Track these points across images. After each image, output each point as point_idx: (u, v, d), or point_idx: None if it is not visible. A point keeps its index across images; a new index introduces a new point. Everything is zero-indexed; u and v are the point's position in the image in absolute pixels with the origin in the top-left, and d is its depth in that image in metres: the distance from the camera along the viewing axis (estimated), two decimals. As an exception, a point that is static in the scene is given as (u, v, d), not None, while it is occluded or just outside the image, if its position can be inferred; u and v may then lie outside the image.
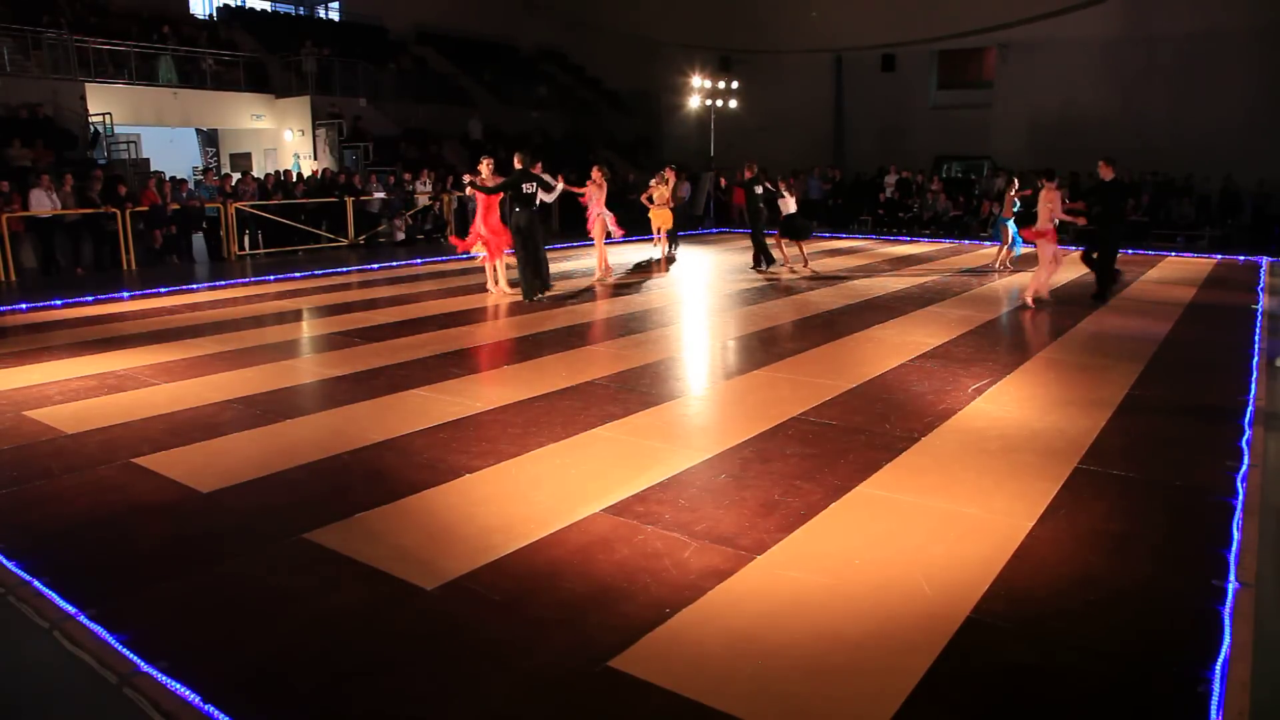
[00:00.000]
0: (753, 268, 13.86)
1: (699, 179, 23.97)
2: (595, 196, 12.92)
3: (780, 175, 15.10)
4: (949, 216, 21.26)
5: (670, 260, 15.12)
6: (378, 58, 23.85)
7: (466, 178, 11.18)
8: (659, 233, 15.18)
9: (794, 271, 13.60)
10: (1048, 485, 4.61)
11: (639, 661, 3.01)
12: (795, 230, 13.63)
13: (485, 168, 10.82)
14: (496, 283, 11.28)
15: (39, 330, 9.08)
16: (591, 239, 13.25)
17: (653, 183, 15.17)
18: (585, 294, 11.47)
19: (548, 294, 10.75)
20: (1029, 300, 10.37)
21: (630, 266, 14.55)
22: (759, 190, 13.65)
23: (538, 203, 10.57)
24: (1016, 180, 13.90)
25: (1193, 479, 4.76)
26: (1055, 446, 5.24)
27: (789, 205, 13.68)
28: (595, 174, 13.08)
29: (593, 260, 13.55)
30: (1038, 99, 23.03)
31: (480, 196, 10.66)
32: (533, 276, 10.57)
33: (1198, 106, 20.69)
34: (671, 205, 15.16)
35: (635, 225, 16.31)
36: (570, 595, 3.47)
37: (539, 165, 12.12)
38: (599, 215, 12.84)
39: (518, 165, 10.43)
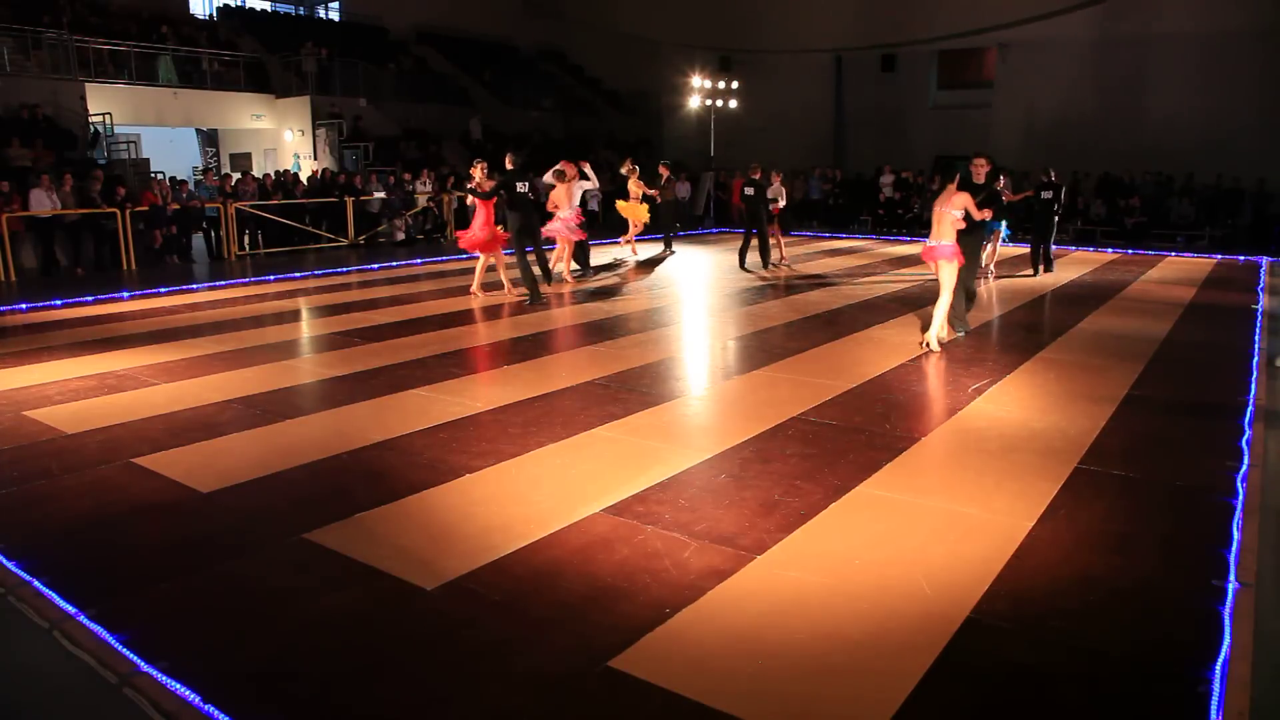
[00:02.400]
0: (764, 266, 13.94)
1: (699, 179, 23.97)
2: (562, 195, 11.73)
3: (774, 170, 15.21)
4: (949, 216, 21.26)
5: (660, 259, 15.20)
6: (378, 58, 23.85)
7: (469, 185, 10.82)
8: (633, 228, 15.78)
9: (791, 269, 13.66)
10: (1048, 485, 4.61)
11: (639, 661, 3.01)
12: (785, 224, 14.70)
13: (480, 171, 10.56)
14: (493, 286, 11.03)
15: (39, 330, 9.08)
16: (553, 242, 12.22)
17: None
18: (583, 294, 11.46)
19: (538, 300, 10.49)
20: (943, 338, 8.04)
21: (628, 265, 14.57)
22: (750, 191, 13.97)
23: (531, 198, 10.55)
24: (1004, 178, 13.83)
25: (1193, 479, 4.75)
26: (1055, 446, 5.24)
27: (781, 199, 14.22)
28: (565, 167, 11.80)
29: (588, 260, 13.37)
30: (1037, 99, 23.02)
31: (479, 201, 10.43)
32: (532, 280, 10.53)
33: (1198, 106, 20.68)
34: (657, 199, 15.49)
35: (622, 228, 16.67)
36: (570, 595, 3.47)
37: (588, 164, 12.11)
38: (563, 218, 11.67)
39: (509, 166, 10.31)
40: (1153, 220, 19.29)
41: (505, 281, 11.05)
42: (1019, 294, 11.46)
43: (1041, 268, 13.53)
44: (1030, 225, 13.88)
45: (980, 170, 8.22)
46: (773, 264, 13.99)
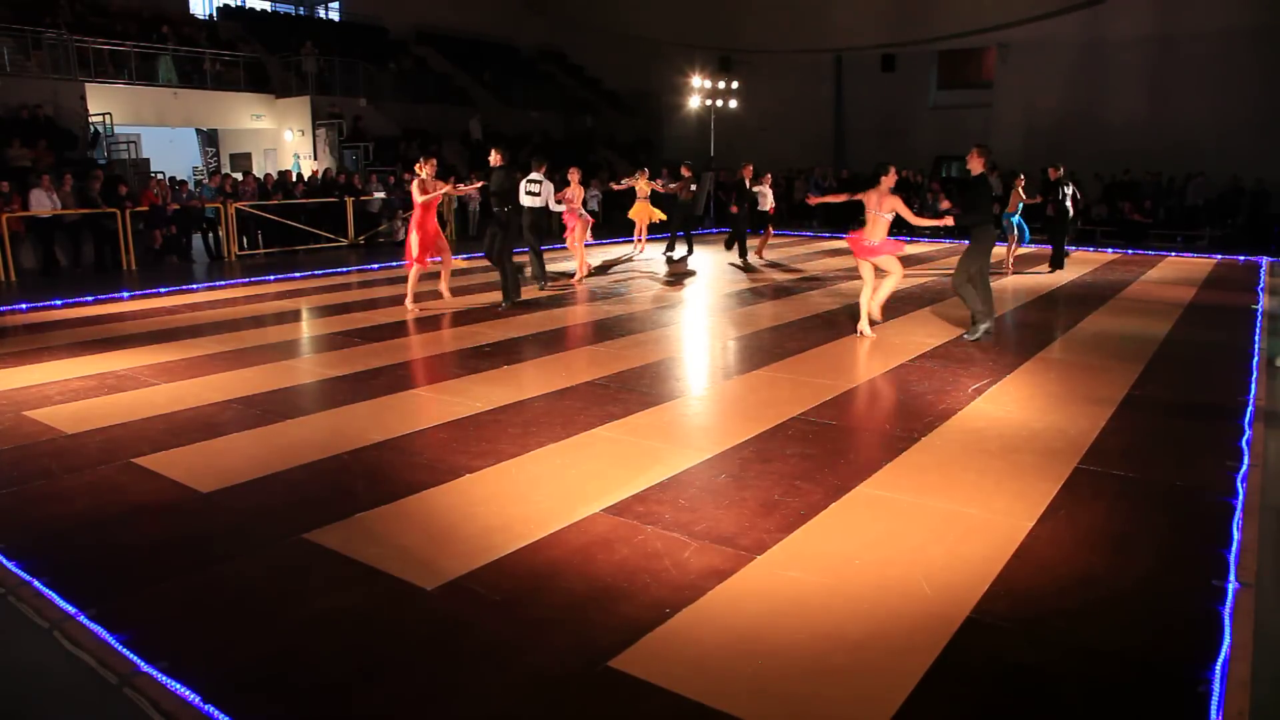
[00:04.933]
0: (740, 256, 14.89)
1: (700, 179, 23.97)
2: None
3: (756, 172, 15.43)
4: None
5: (671, 259, 15.19)
6: (378, 58, 23.85)
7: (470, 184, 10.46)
8: (638, 230, 16.27)
9: (759, 268, 14.28)
10: (1048, 485, 4.61)
11: (639, 661, 3.01)
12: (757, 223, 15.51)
13: (429, 169, 9.83)
14: (419, 297, 10.08)
15: (39, 330, 9.08)
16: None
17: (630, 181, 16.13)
18: (582, 295, 11.46)
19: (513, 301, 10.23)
20: (867, 328, 8.51)
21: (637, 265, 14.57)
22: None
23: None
24: (1023, 176, 13.86)
25: (1193, 479, 4.75)
26: (1055, 446, 5.24)
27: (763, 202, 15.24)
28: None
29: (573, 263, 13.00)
30: (1038, 99, 23.03)
31: (420, 200, 9.78)
32: (515, 281, 10.39)
33: (1198, 106, 20.70)
34: (680, 194, 15.64)
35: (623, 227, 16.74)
36: (570, 595, 3.46)
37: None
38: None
39: (499, 163, 9.96)
40: (1153, 220, 19.30)
41: (445, 291, 10.41)
42: (1019, 294, 11.47)
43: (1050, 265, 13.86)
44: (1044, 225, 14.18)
45: (976, 162, 8.28)
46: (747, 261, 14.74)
